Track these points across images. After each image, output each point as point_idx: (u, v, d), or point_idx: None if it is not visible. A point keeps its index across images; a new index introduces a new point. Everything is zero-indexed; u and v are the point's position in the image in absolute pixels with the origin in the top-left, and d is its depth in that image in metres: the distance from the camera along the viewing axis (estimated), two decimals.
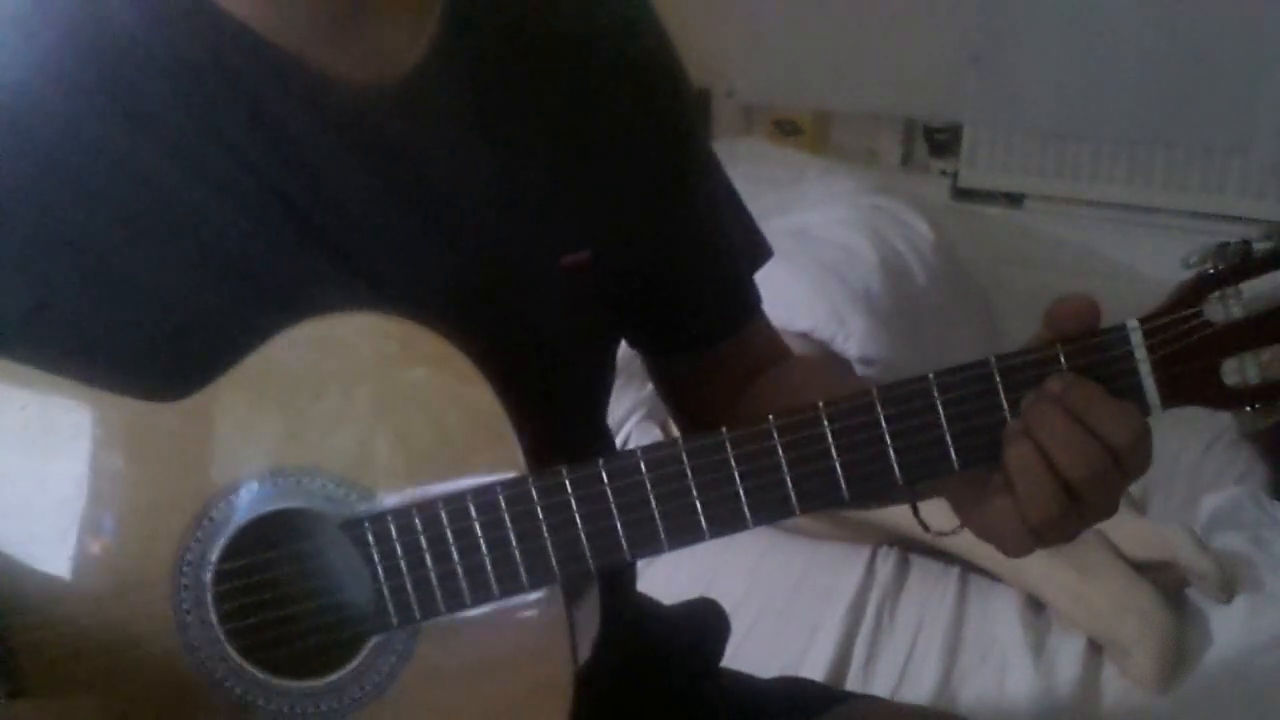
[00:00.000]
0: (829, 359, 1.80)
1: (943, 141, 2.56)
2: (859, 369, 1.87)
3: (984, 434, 0.61)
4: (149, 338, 0.66)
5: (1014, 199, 2.50)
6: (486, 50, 0.71)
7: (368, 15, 0.67)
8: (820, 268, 1.92)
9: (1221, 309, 0.59)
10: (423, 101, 0.69)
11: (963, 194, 2.54)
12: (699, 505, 0.62)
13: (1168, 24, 2.23)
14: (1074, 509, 0.60)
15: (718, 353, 0.84)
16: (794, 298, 1.83)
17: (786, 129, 2.64)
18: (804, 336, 1.84)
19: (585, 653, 0.66)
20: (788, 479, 0.61)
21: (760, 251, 0.86)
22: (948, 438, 0.61)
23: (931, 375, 0.61)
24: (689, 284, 0.81)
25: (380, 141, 0.67)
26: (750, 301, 0.86)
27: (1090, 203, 2.43)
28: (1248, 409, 0.60)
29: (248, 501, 0.64)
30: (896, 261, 2.03)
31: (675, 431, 1.58)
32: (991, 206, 2.52)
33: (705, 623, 0.94)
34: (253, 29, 0.65)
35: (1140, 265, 2.28)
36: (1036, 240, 2.45)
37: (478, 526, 0.62)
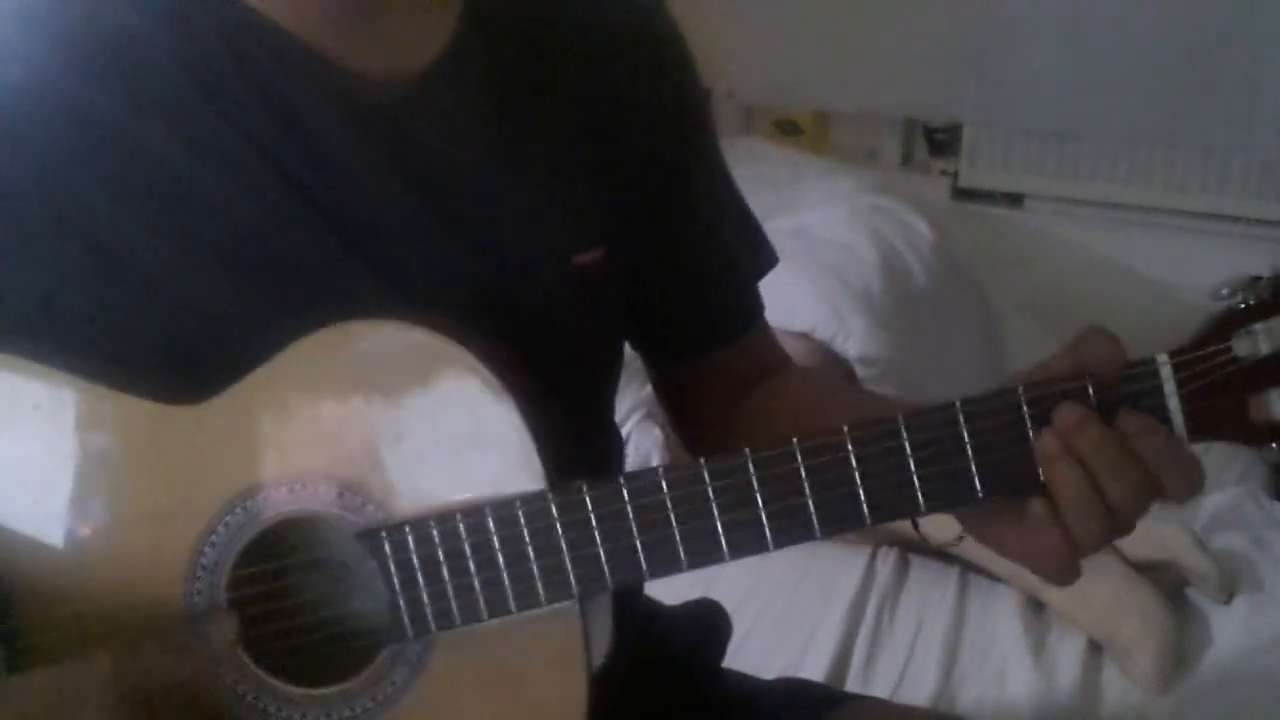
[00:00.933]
0: (829, 370, 1.79)
1: (943, 141, 2.56)
2: (859, 369, 1.87)
3: (1008, 464, 0.61)
4: (160, 333, 0.65)
5: (1014, 199, 2.50)
6: (504, 47, 0.71)
7: (386, 9, 0.67)
8: (820, 268, 1.93)
9: (1249, 344, 0.59)
10: (439, 97, 0.68)
11: (963, 194, 2.54)
12: (720, 527, 0.61)
13: (1168, 24, 2.23)
14: (1112, 529, 0.60)
15: (719, 359, 0.84)
16: (794, 298, 1.83)
17: (786, 129, 2.64)
18: (804, 336, 1.84)
19: (598, 659, 0.66)
20: (810, 503, 0.61)
21: (765, 259, 0.86)
22: (973, 467, 0.60)
23: (958, 403, 0.60)
24: (693, 288, 0.81)
25: (395, 136, 0.67)
26: (754, 308, 0.86)
27: (1090, 203, 2.43)
28: (1273, 445, 0.60)
29: (264, 508, 0.64)
30: (896, 261, 2.03)
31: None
32: (991, 206, 2.52)
33: (706, 623, 0.94)
34: (269, 19, 0.65)
35: (1140, 265, 2.29)
36: (1036, 240, 2.45)
37: (496, 540, 0.62)
